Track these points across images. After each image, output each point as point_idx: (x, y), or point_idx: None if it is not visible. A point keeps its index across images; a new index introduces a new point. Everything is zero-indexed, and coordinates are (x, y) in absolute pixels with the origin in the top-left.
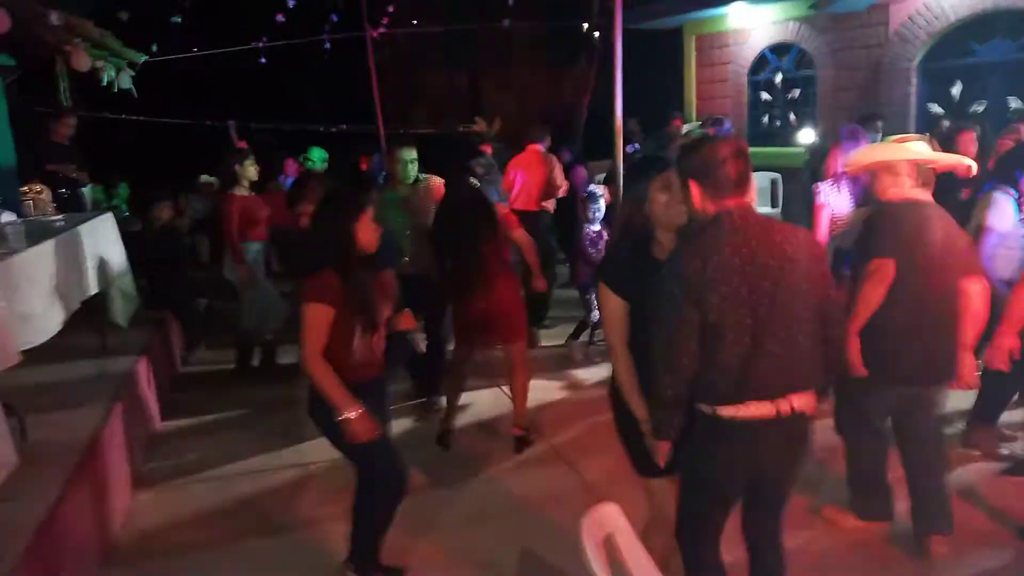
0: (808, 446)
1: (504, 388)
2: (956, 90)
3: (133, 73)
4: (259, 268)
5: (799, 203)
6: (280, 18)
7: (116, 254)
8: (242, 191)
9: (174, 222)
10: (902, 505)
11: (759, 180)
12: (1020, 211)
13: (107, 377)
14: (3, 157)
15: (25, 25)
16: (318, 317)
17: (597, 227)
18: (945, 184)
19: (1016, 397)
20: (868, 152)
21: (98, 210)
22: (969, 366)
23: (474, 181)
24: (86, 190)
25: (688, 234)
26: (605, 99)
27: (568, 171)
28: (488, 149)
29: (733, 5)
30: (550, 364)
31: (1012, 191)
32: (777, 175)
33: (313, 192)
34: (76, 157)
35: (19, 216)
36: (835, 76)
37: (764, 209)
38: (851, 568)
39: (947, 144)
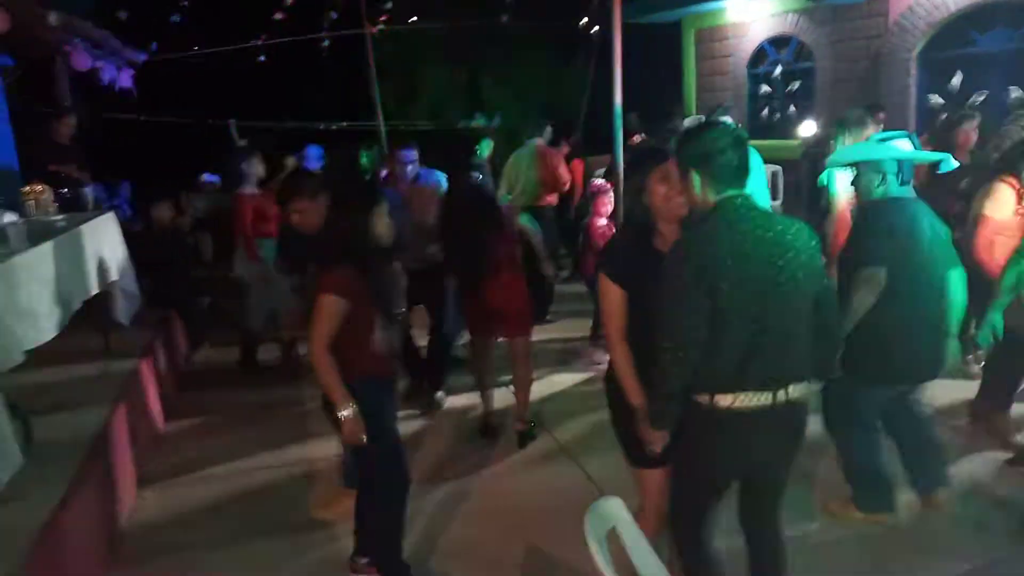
0: (803, 436)
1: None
2: (956, 80)
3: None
4: (272, 264)
5: (797, 194)
6: (279, 16)
7: (118, 253)
8: (251, 189)
9: (176, 221)
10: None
11: None
12: (1022, 201)
13: (110, 377)
14: (4, 157)
15: (25, 25)
16: (331, 309)
17: (605, 220)
18: (944, 177)
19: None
20: (850, 151)
21: (100, 210)
22: (952, 352)
23: (476, 175)
24: (87, 190)
25: (691, 224)
26: (605, 94)
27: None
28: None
29: None
30: (552, 358)
31: (1014, 182)
32: (778, 167)
33: (304, 189)
34: (77, 157)
35: (21, 216)
36: (834, 68)
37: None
38: (854, 560)
39: (946, 136)
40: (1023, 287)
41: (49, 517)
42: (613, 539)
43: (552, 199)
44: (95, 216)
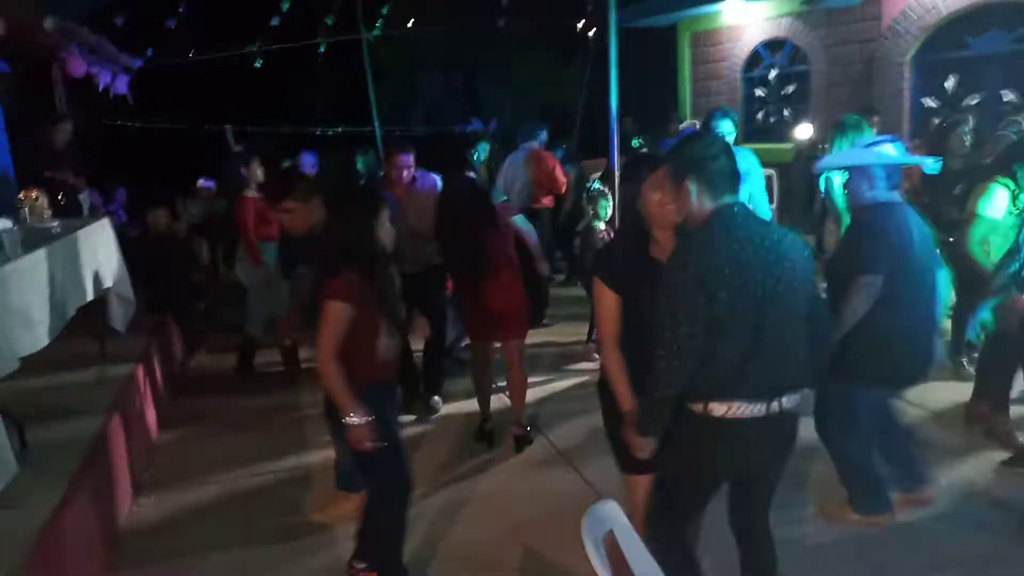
0: (795, 443)
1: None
2: (950, 83)
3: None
4: (273, 268)
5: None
6: (275, 22)
7: (114, 260)
8: (252, 193)
9: (172, 227)
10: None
11: None
12: (1015, 203)
13: (107, 383)
14: None
15: (20, 31)
16: (338, 316)
17: (604, 225)
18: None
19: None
20: (839, 156)
21: (95, 215)
22: (938, 348)
23: (470, 174)
24: (83, 196)
25: (687, 231)
26: (600, 98)
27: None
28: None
29: (727, 2)
30: (548, 362)
31: (1010, 183)
32: (772, 171)
33: (296, 189)
34: (73, 163)
35: (16, 222)
36: (828, 71)
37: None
38: (852, 562)
39: (938, 140)
40: (1014, 287)
41: (45, 524)
42: (610, 542)
43: (548, 201)
44: (90, 222)
